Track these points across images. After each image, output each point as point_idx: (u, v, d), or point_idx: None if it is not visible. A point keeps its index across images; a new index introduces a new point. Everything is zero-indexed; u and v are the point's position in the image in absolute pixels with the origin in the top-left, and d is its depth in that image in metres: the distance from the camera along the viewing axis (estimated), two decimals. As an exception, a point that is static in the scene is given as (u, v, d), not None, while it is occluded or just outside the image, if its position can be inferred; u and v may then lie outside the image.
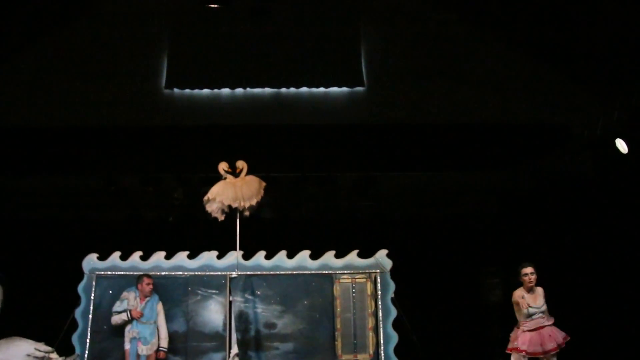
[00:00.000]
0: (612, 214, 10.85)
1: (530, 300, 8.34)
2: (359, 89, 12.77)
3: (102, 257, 9.79)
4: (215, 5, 10.78)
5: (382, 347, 9.38)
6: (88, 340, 9.37)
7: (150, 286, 9.27)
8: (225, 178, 9.88)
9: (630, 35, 10.30)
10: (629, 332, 10.24)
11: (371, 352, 9.42)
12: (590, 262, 11.07)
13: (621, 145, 10.42)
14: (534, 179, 11.85)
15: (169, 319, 9.42)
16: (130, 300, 9.20)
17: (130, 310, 9.11)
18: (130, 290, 9.30)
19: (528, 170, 11.81)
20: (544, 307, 8.33)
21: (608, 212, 10.93)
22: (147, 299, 9.24)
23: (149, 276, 9.37)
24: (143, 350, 9.06)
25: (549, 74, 12.35)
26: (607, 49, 10.84)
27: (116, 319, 9.19)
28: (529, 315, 8.30)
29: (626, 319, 10.37)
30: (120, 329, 9.22)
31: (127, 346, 9.10)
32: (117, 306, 9.23)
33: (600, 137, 10.95)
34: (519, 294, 8.43)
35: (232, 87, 12.69)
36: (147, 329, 9.12)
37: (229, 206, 9.66)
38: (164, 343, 9.24)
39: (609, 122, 10.68)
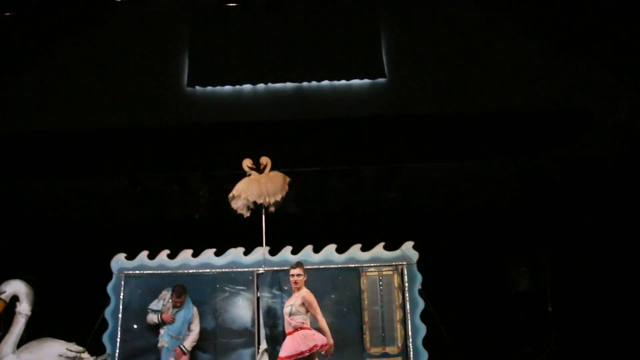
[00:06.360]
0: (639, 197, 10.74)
1: (292, 299, 8.30)
2: (381, 80, 12.71)
3: (130, 256, 9.87)
4: (233, 4, 10.77)
5: (410, 339, 9.33)
6: (118, 340, 9.48)
7: (182, 297, 9.24)
8: (249, 174, 9.91)
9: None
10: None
11: (399, 344, 9.38)
12: (617, 246, 10.96)
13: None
14: (559, 165, 11.75)
15: (197, 316, 9.51)
16: (166, 299, 9.28)
17: (161, 314, 9.20)
18: (169, 289, 9.36)
19: (553, 157, 11.71)
20: (300, 309, 8.18)
21: (635, 196, 10.81)
22: (178, 310, 9.24)
23: (179, 294, 9.26)
24: None
25: (571, 58, 12.21)
26: (630, 31, 10.72)
27: (150, 318, 9.29)
28: (289, 315, 8.20)
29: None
30: (153, 327, 9.33)
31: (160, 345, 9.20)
32: (154, 304, 9.33)
33: (625, 121, 10.84)
34: None
35: (254, 83, 12.69)
36: (174, 343, 9.16)
37: (254, 202, 9.67)
38: (188, 344, 9.19)
39: (634, 106, 10.55)
